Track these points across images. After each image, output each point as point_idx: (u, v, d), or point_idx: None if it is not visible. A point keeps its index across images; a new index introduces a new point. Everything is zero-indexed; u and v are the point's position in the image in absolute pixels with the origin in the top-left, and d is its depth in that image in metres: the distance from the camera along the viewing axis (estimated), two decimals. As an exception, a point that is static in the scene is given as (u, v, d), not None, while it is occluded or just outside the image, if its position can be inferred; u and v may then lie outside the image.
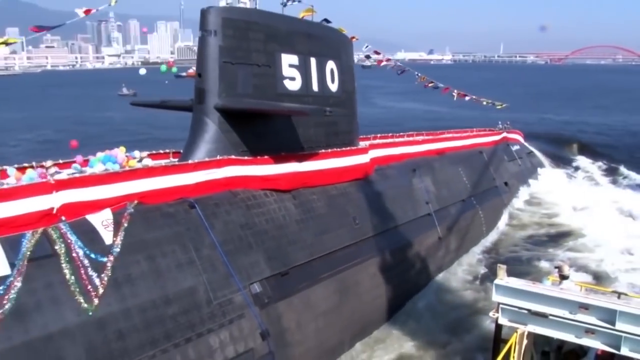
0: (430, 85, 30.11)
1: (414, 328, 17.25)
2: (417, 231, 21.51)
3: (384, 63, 25.97)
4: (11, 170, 12.28)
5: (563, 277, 10.59)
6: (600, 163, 45.90)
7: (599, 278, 21.06)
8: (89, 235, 10.92)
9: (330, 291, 15.80)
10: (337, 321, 15.66)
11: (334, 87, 18.94)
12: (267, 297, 13.72)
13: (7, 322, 9.23)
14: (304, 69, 17.39)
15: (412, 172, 23.47)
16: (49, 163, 12.90)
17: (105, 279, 10.71)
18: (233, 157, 14.76)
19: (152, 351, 10.84)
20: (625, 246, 24.99)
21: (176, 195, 13.13)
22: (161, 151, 16.31)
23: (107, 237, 11.19)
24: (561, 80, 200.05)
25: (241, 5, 16.20)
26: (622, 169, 43.29)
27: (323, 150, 17.66)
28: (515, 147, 38.33)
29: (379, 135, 26.13)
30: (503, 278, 10.02)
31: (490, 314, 10.29)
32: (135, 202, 12.12)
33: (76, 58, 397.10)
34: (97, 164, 13.50)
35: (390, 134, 27.10)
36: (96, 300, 10.42)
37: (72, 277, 10.28)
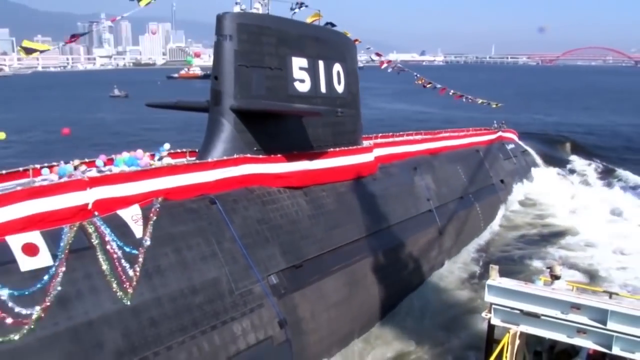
0: (428, 85, 30.99)
1: (411, 326, 17.62)
2: (420, 227, 22.36)
3: (384, 65, 26.80)
4: (45, 171, 12.93)
5: (555, 277, 10.58)
6: (592, 162, 46.70)
7: (591, 277, 21.35)
8: (121, 229, 11.62)
9: (340, 283, 16.58)
10: (347, 311, 16.43)
11: (340, 88, 19.74)
12: (283, 288, 14.49)
13: (53, 309, 9.92)
14: (312, 71, 18.17)
15: (414, 170, 24.32)
16: (76, 162, 13.57)
17: (138, 269, 11.43)
18: (249, 155, 15.51)
19: (181, 337, 11.57)
20: (617, 246, 25.26)
21: (197, 191, 13.86)
22: (179, 150, 17.00)
23: (138, 230, 11.90)
24: (553, 81, 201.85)
25: (254, 11, 16.92)
26: (614, 168, 44.05)
27: (331, 149, 18.44)
28: (510, 146, 39.31)
29: (380, 134, 26.94)
30: (495, 278, 9.99)
31: (483, 314, 10.19)
32: (161, 198, 12.84)
33: (67, 59, 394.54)
34: (122, 165, 14.18)
35: (390, 133, 27.96)
36: (130, 290, 11.14)
37: (108, 268, 10.99)
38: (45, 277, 10.07)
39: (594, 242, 25.89)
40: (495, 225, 29.86)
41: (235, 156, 15.14)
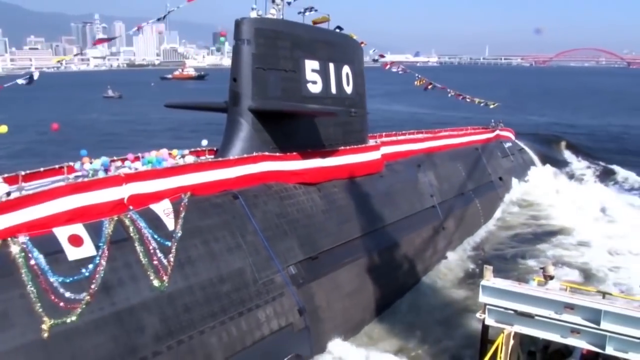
0: (429, 86, 31.87)
1: (411, 320, 17.89)
2: (424, 222, 23.28)
3: (388, 66, 27.69)
4: (78, 165, 13.74)
5: (548, 277, 10.63)
6: (586, 161, 47.39)
7: (585, 277, 21.53)
8: (155, 222, 12.44)
9: (352, 274, 17.47)
10: (359, 301, 17.32)
11: (349, 89, 20.62)
12: (301, 278, 15.35)
13: (98, 295, 10.73)
14: (324, 73, 19.04)
15: (417, 168, 25.26)
16: (104, 159, 14.35)
17: (171, 260, 12.26)
18: (267, 153, 16.35)
19: (212, 323, 12.40)
20: (611, 245, 25.31)
21: (221, 187, 14.70)
22: (198, 149, 17.81)
23: (169, 223, 12.73)
24: (547, 83, 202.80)
25: (269, 16, 17.76)
26: (609, 167, 44.68)
27: (342, 147, 19.32)
28: (508, 144, 40.32)
29: (384, 133, 27.85)
30: (489, 279, 9.94)
31: (477, 314, 10.15)
32: (189, 193, 13.67)
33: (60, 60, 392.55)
34: (148, 165, 14.98)
35: (393, 132, 28.88)
36: (166, 278, 11.96)
37: (145, 258, 11.81)
38: (90, 266, 10.87)
39: (588, 241, 26.05)
40: (495, 221, 30.56)
41: (254, 154, 15.98)
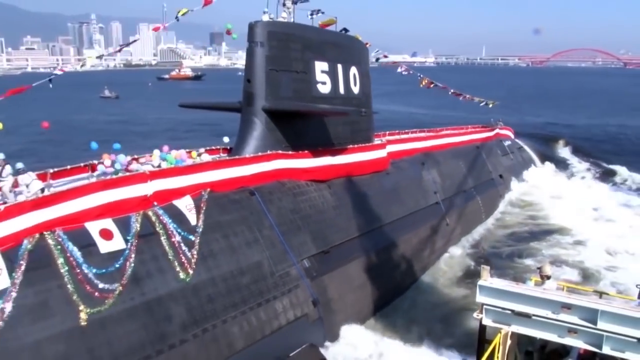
0: (431, 85, 32.53)
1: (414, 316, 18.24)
2: (429, 218, 23.96)
3: (400, 69, 28.48)
4: (100, 167, 14.33)
5: (545, 277, 10.71)
6: (584, 160, 47.80)
7: (583, 276, 21.62)
8: (178, 217, 13.05)
9: (362, 268, 18.13)
10: (368, 293, 17.99)
11: (356, 89, 21.26)
12: (314, 271, 15.99)
13: (129, 286, 11.34)
14: (332, 74, 19.68)
15: (422, 165, 25.93)
16: (127, 157, 14.95)
17: (195, 253, 12.88)
18: (280, 151, 16.98)
19: (234, 312, 13.03)
20: (609, 245, 25.35)
21: (238, 184, 15.32)
22: (213, 147, 18.43)
23: (192, 218, 13.35)
24: (544, 83, 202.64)
25: (281, 19, 18.37)
26: (607, 166, 45.20)
27: (351, 146, 19.96)
28: (507, 143, 41.04)
29: (387, 132, 28.50)
30: (487, 279, 9.93)
31: (474, 314, 10.17)
32: (208, 190, 14.28)
33: (57, 60, 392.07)
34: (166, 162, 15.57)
35: (397, 131, 29.55)
36: (190, 270, 12.58)
37: (171, 251, 12.42)
38: (121, 259, 11.48)
39: (586, 240, 26.13)
40: (494, 220, 30.92)
41: (268, 152, 16.60)
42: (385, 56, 28.88)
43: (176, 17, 17.27)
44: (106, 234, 11.58)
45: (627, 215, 30.91)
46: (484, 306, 9.85)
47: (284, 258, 15.13)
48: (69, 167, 14.06)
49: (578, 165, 46.91)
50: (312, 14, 20.51)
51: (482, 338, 10.25)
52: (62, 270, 10.50)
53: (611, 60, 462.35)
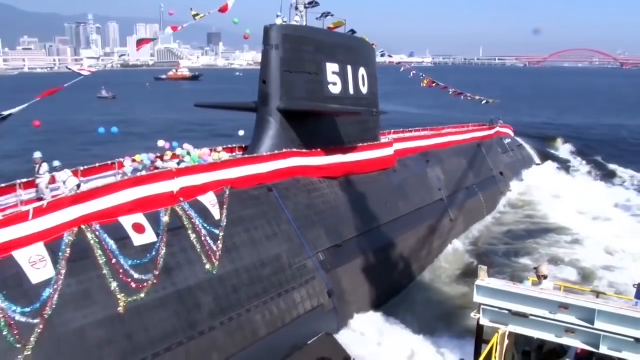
0: (433, 85, 33.34)
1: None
2: (434, 213, 24.74)
3: (397, 64, 29.23)
4: (127, 162, 15.06)
5: (542, 277, 10.74)
6: (584, 159, 48.39)
7: (581, 276, 21.78)
8: (204, 212, 13.77)
9: (372, 261, 18.87)
10: (378, 284, 18.73)
11: (364, 90, 22.01)
12: (329, 264, 16.74)
13: (161, 276, 12.06)
14: (343, 75, 20.42)
15: (426, 163, 26.70)
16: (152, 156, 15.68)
17: (220, 246, 13.61)
18: (295, 150, 17.71)
19: (256, 302, 13.76)
20: (607, 244, 25.50)
21: (256, 181, 16.05)
22: (229, 146, 19.13)
23: (216, 213, 14.07)
24: (542, 83, 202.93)
25: (294, 23, 19.11)
26: (605, 165, 45.76)
27: (360, 144, 20.71)
28: (507, 141, 41.86)
29: (392, 130, 29.26)
30: (484, 279, 9.89)
31: (472, 314, 10.16)
32: (230, 186, 15.00)
33: (54, 60, 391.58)
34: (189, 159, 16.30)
35: (401, 130, 30.33)
36: (216, 262, 13.31)
37: (198, 244, 13.14)
38: (153, 251, 12.20)
39: (585, 239, 26.28)
40: (494, 219, 31.19)
41: (284, 150, 17.34)
42: (390, 56, 29.63)
43: (193, 17, 17.85)
44: (138, 228, 12.29)
45: (625, 215, 31.25)
46: (482, 306, 9.83)
47: (300, 251, 15.87)
48: (97, 164, 14.78)
49: (577, 163, 47.57)
50: (321, 17, 21.25)
51: (480, 338, 10.22)
52: (100, 262, 11.20)
53: (608, 60, 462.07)
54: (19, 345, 9.51)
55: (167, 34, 17.35)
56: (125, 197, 12.49)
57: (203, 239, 13.31)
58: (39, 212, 10.80)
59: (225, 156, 17.30)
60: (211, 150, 17.18)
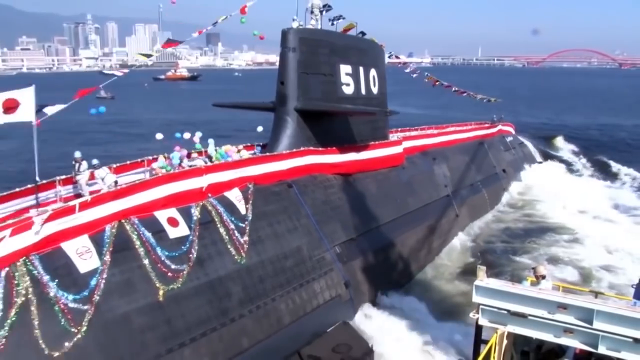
0: (437, 83, 34.15)
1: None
2: (441, 209, 25.62)
3: (400, 65, 30.06)
4: (160, 162, 15.89)
5: (540, 277, 10.81)
6: (584, 158, 49.20)
7: (581, 275, 21.91)
8: (230, 207, 14.58)
9: (384, 254, 19.74)
10: (388, 275, 19.61)
11: (375, 90, 22.84)
12: (345, 256, 17.58)
13: (195, 267, 12.86)
14: (355, 76, 21.25)
15: (433, 161, 27.56)
16: (183, 151, 16.55)
17: (247, 238, 14.41)
18: (311, 148, 18.53)
19: (280, 292, 14.58)
20: (606, 244, 25.60)
21: (277, 178, 16.86)
22: (249, 144, 19.95)
23: (242, 208, 14.87)
24: (541, 83, 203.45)
25: (309, 26, 19.93)
26: (605, 161, 46.53)
27: (372, 142, 21.55)
28: (509, 139, 42.77)
29: (399, 129, 30.14)
30: (483, 279, 9.90)
31: (471, 315, 10.21)
32: (253, 183, 15.82)
33: (53, 60, 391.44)
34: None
35: (407, 128, 31.22)
36: (244, 254, 14.12)
37: (227, 237, 13.95)
38: (187, 243, 13.00)
39: (585, 239, 26.45)
40: (494, 218, 31.45)
41: (301, 149, 18.16)
42: (397, 57, 30.45)
43: (214, 23, 18.64)
44: (172, 222, 13.08)
45: (625, 215, 31.53)
46: (480, 306, 9.87)
47: (319, 244, 16.69)
48: (128, 162, 15.59)
49: (577, 162, 48.31)
50: (333, 20, 22.07)
51: (479, 338, 10.26)
52: (140, 253, 12.00)
53: (606, 60, 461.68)
54: (73, 330, 10.30)
55: (193, 37, 18.09)
56: (159, 193, 13.28)
57: (231, 232, 14.11)
58: (84, 207, 11.59)
59: (246, 154, 18.11)
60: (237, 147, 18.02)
